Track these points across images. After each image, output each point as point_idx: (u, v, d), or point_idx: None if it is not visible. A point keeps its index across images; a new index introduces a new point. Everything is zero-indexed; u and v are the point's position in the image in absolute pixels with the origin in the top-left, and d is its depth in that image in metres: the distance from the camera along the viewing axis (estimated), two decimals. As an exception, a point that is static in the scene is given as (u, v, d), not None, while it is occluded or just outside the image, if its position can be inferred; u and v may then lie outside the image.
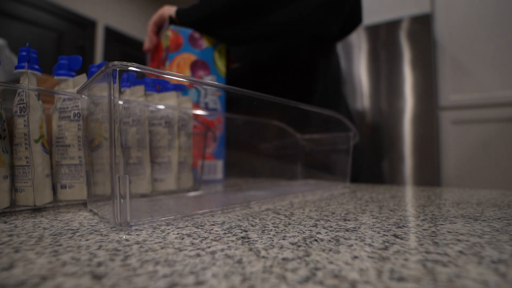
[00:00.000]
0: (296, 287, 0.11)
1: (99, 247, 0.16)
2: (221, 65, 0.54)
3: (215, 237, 0.18)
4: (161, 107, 0.36)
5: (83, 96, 0.26)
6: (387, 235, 0.18)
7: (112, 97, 0.20)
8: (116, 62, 0.20)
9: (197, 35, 0.52)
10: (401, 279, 0.12)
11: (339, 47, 1.44)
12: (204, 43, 0.52)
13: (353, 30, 0.64)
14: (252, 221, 0.22)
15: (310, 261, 0.14)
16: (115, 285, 0.11)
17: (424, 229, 0.20)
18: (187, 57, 0.50)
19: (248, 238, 0.18)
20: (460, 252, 0.15)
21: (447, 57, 1.32)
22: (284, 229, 0.20)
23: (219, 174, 0.51)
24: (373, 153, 1.38)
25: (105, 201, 0.23)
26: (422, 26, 1.30)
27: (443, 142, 1.29)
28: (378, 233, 0.19)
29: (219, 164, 0.52)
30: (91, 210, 0.26)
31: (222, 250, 0.16)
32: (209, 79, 0.51)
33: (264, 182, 0.53)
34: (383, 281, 0.12)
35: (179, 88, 0.39)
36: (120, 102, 0.27)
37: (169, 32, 0.51)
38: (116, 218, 0.20)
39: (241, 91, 0.31)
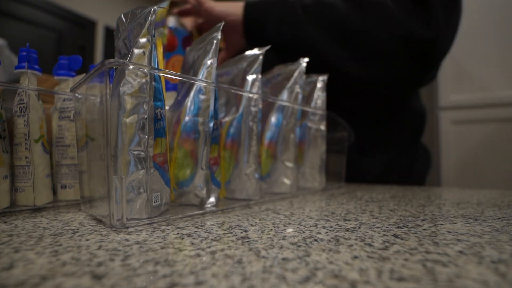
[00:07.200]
0: (296, 287, 0.11)
1: (99, 247, 0.16)
2: None
3: (215, 237, 0.18)
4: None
5: (77, 94, 0.26)
6: (387, 235, 0.18)
7: (108, 96, 0.19)
8: (113, 60, 0.19)
9: (189, 40, 0.52)
10: (401, 279, 0.12)
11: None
12: None
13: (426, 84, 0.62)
14: (252, 221, 0.22)
15: (310, 261, 0.14)
16: (115, 285, 0.11)
17: (424, 229, 0.20)
18: (181, 59, 0.50)
19: (248, 238, 0.18)
20: (460, 252, 0.15)
21: (447, 57, 1.32)
22: (284, 229, 0.20)
23: None
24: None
25: (97, 201, 0.23)
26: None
27: (443, 142, 1.29)
28: (378, 233, 0.19)
29: None
30: (84, 211, 0.26)
31: (222, 250, 0.16)
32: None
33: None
34: (383, 281, 0.12)
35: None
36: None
37: (166, 31, 0.51)
38: (111, 219, 0.19)
39: (239, 90, 0.31)
